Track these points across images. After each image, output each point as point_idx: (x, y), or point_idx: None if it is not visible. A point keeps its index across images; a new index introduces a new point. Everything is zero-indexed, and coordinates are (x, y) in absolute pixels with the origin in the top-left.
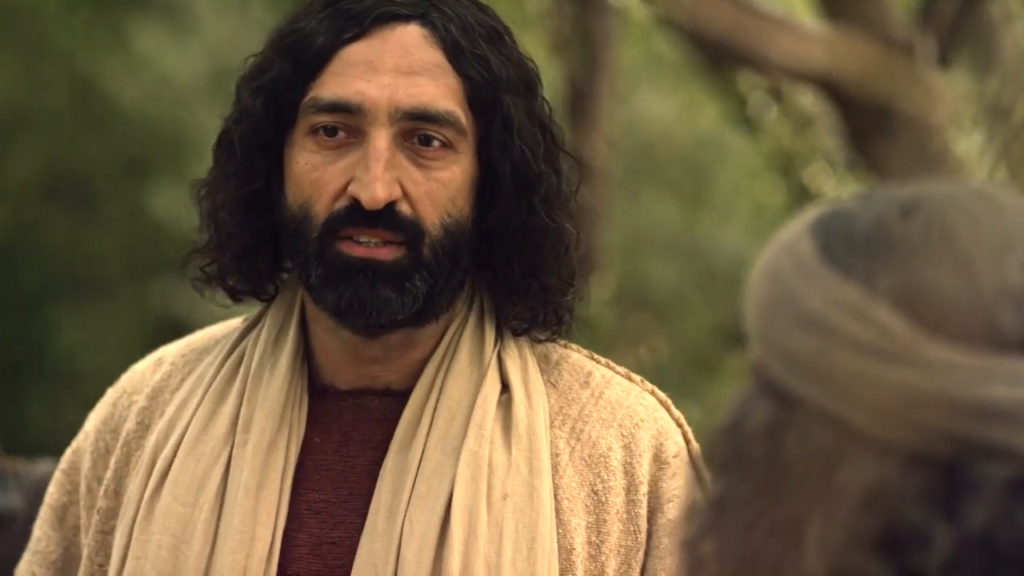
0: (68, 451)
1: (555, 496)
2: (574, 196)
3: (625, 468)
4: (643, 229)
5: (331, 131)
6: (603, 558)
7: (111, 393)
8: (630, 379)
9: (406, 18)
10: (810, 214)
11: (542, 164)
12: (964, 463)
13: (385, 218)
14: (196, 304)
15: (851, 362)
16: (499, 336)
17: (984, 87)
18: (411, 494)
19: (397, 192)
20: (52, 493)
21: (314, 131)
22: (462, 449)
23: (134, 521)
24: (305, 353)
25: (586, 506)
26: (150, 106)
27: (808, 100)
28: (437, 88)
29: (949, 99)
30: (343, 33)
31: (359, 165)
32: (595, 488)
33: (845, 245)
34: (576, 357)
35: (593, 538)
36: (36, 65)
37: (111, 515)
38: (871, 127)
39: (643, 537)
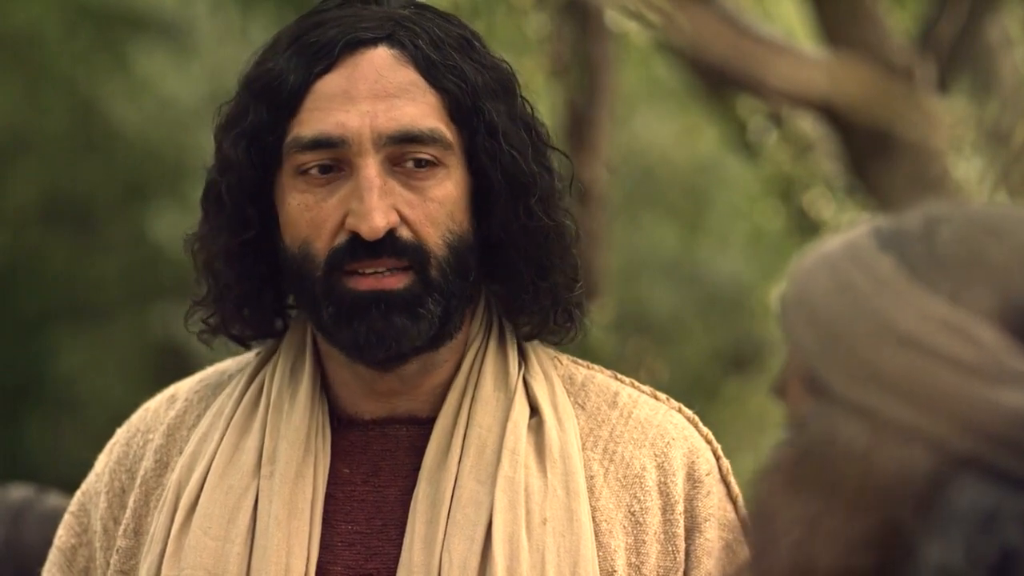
0: (77, 493)
1: (593, 519)
2: (569, 191)
3: (660, 488)
4: (642, 253)
5: (325, 169)
6: None
7: (123, 432)
8: (656, 398)
9: (373, 41)
10: (862, 230)
11: (532, 165)
12: None
13: (388, 246)
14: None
15: (951, 381)
16: (522, 359)
17: (983, 112)
18: (447, 524)
19: (395, 219)
20: (61, 536)
21: (303, 171)
22: (497, 476)
23: (161, 557)
24: (323, 384)
25: (624, 527)
26: (151, 130)
27: (808, 125)
28: (417, 108)
29: (949, 124)
30: (314, 67)
31: (353, 197)
32: (632, 509)
33: (930, 263)
34: (601, 378)
35: (633, 559)
36: (37, 89)
37: (131, 555)
38: (871, 152)
39: (681, 557)
